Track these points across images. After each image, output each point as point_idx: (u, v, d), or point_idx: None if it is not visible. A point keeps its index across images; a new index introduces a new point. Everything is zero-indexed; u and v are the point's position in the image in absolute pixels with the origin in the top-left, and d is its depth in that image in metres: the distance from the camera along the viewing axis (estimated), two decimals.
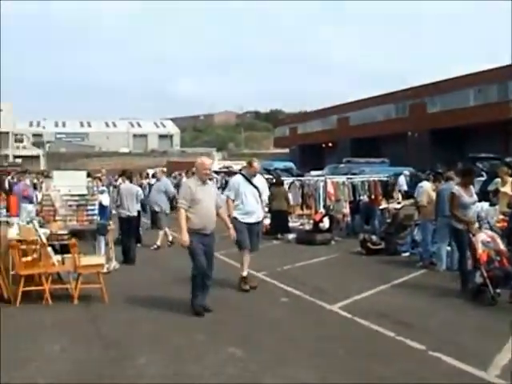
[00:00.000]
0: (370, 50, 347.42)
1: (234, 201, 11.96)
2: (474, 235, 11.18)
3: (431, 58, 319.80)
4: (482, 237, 11.12)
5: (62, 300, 10.92)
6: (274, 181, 22.94)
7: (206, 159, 10.27)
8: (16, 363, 7.44)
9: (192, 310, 9.94)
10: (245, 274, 12.11)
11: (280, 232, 20.81)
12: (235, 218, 11.77)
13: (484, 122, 49.24)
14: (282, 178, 24.45)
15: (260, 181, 12.41)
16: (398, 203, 19.87)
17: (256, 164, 12.22)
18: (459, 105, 53.04)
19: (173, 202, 19.33)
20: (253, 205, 12.00)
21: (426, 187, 15.31)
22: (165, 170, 27.56)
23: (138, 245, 18.96)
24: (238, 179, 12.28)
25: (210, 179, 11.15)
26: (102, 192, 16.65)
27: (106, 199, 16.38)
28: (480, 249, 10.86)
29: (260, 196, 12.17)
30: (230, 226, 10.60)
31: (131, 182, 18.11)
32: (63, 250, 12.25)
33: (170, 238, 19.02)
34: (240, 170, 40.60)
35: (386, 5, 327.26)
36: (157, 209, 19.49)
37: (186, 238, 9.69)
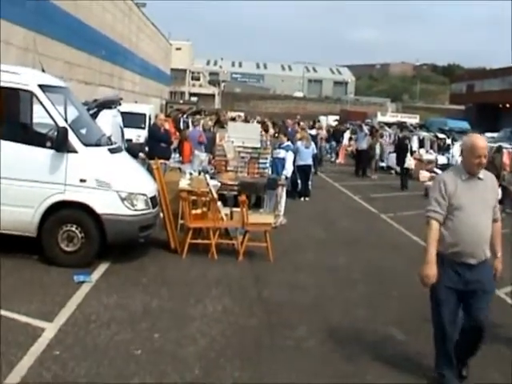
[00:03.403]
0: None
1: None
2: None
3: None
4: None
5: (227, 255, 11.01)
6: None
7: (480, 138, 6.17)
8: (180, 322, 7.56)
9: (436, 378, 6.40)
10: None
11: None
12: None
13: None
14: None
15: None
16: None
17: None
18: None
19: None
20: None
21: None
22: None
23: (307, 199, 18.98)
24: None
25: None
26: (287, 149, 16.13)
27: (290, 157, 15.93)
28: None
29: None
30: (499, 255, 6.28)
31: None
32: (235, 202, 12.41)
33: None
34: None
35: None
36: None
37: (431, 270, 5.87)
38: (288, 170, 15.27)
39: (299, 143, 19.11)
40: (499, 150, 21.40)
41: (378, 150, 29.24)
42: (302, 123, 37.34)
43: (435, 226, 5.96)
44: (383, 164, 31.57)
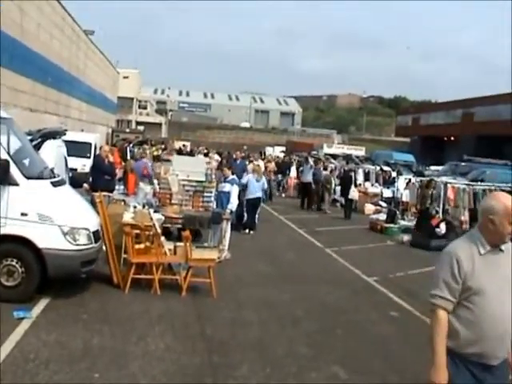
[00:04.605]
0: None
1: None
2: None
3: None
4: None
5: (170, 290, 10.89)
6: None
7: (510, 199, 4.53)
8: (120, 360, 7.44)
9: None
10: None
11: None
12: None
13: None
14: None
15: None
16: None
17: None
18: None
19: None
20: None
21: None
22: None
23: (252, 232, 18.98)
24: None
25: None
26: (232, 183, 15.60)
27: (235, 191, 15.48)
28: None
29: None
30: None
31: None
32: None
33: None
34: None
35: None
36: None
37: (442, 377, 4.50)
38: (233, 204, 15.18)
39: (250, 176, 19.25)
40: (429, 183, 21.82)
41: (333, 184, 28.99)
42: (251, 156, 37.52)
43: (443, 317, 4.53)
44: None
